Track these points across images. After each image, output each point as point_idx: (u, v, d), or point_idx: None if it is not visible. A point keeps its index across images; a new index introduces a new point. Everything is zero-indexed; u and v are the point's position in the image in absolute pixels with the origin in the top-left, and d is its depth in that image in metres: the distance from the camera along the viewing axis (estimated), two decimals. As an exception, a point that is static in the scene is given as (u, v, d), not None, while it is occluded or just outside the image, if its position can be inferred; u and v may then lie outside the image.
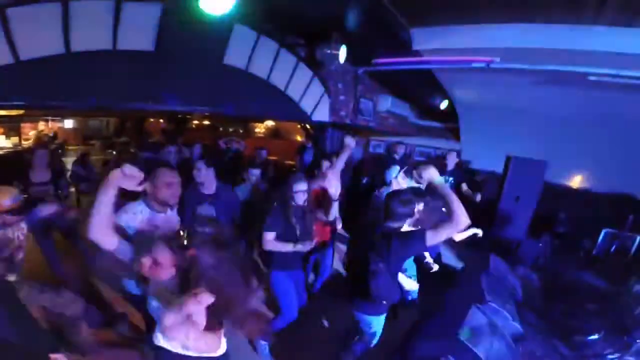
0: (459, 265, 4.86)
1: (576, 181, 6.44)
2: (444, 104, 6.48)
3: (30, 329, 1.73)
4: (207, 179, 2.84)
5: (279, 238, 2.70)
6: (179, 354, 1.61)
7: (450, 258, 4.93)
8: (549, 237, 5.38)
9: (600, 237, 5.41)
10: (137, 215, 2.02)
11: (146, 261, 1.51)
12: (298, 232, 2.77)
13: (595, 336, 3.25)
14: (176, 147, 4.58)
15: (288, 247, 2.70)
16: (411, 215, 2.40)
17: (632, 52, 3.79)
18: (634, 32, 3.66)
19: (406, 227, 2.93)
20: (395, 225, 2.29)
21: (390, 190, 3.79)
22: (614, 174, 5.95)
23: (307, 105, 4.97)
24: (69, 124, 11.61)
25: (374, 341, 2.62)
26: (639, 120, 5.29)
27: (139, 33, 3.25)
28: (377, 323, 2.51)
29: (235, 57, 4.00)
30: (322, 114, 5.20)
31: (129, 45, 3.23)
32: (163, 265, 1.52)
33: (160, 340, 1.62)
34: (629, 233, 5.46)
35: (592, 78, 4.46)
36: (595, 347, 3.18)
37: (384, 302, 2.35)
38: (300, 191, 2.74)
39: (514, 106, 5.99)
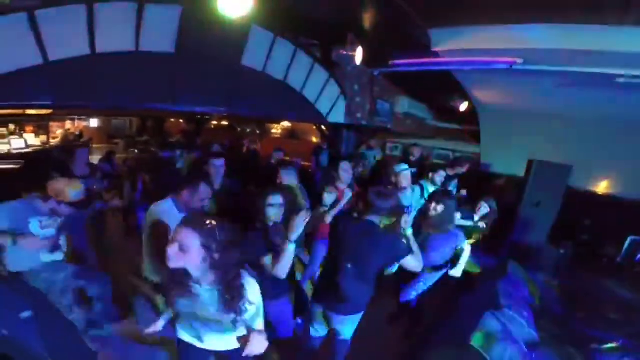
0: (475, 270, 4.77)
1: (602, 187, 6.21)
2: (463, 106, 6.38)
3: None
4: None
5: None
6: (194, 346, 1.74)
7: (467, 263, 4.84)
8: (572, 244, 5.20)
9: (626, 245, 5.20)
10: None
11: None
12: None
13: (612, 345, 3.13)
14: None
15: None
16: (391, 209, 2.33)
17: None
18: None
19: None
20: (373, 219, 2.25)
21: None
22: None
23: (323, 106, 5.01)
24: (94, 123, 12.07)
25: (347, 340, 2.47)
26: None
27: (161, 35, 3.36)
28: (349, 323, 2.40)
29: (252, 58, 4.07)
30: (338, 116, 5.21)
31: (151, 46, 3.34)
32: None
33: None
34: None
35: (620, 80, 4.29)
36: (611, 356, 3.06)
37: (353, 304, 2.30)
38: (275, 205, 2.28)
39: (537, 109, 5.85)
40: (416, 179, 4.29)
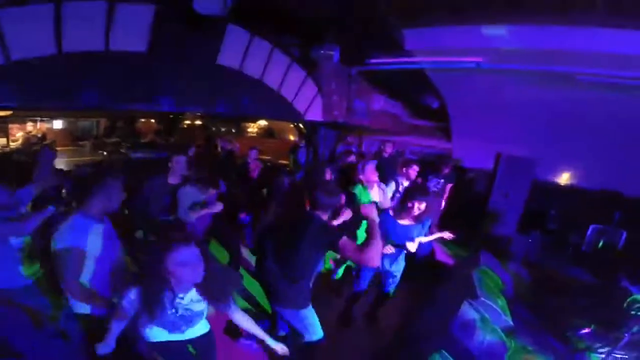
0: (450, 261, 4.92)
1: (564, 178, 6.56)
2: (435, 103, 6.54)
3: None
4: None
5: None
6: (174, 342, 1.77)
7: (441, 254, 5.00)
8: (539, 233, 5.47)
9: (589, 233, 5.53)
10: None
11: None
12: None
13: (586, 330, 3.34)
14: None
15: None
16: (334, 206, 2.37)
17: (620, 52, 3.88)
18: (623, 33, 3.76)
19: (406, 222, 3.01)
20: (320, 214, 2.22)
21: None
22: (601, 171, 6.10)
23: (300, 104, 4.97)
24: (57, 124, 11.39)
25: (313, 336, 2.33)
26: (625, 119, 5.40)
27: (132, 34, 3.24)
28: (301, 317, 2.30)
29: (228, 57, 3.99)
30: (315, 114, 5.20)
31: (122, 46, 3.21)
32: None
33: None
34: (616, 229, 5.58)
35: (580, 77, 4.55)
36: (586, 341, 3.26)
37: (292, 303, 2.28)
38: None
39: (504, 105, 6.08)
40: (388, 174, 4.37)
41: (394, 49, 4.62)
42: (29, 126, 10.09)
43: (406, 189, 3.38)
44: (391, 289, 3.31)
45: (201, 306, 1.75)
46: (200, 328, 1.86)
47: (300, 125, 5.97)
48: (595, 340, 3.24)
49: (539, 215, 5.89)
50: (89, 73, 3.16)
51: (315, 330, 2.32)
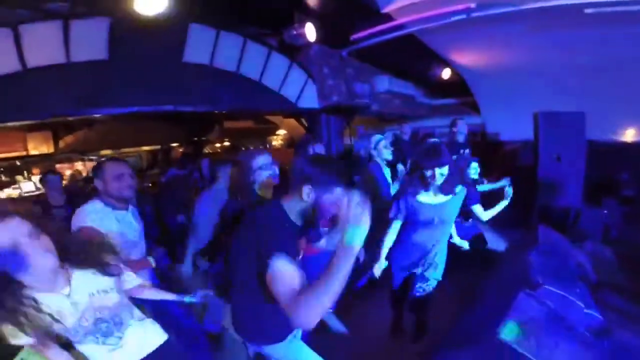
0: (502, 247, 3.68)
1: (629, 134, 5.00)
2: (445, 73, 5.41)
3: None
4: None
5: None
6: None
7: (493, 241, 3.74)
8: (614, 202, 4.05)
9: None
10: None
11: None
12: None
13: None
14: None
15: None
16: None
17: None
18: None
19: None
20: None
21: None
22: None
23: (290, 93, 4.35)
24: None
25: None
26: None
27: (91, 45, 3.12)
28: (284, 352, 1.41)
29: (195, 54, 3.64)
30: (310, 101, 4.49)
31: (83, 56, 3.07)
32: None
33: None
34: None
35: (588, 11, 3.36)
36: None
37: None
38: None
39: (520, 61, 4.80)
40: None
41: (372, 17, 3.85)
42: (78, 165, 10.56)
43: (414, 153, 2.46)
44: (421, 294, 2.32)
45: None
46: None
47: (303, 120, 5.24)
48: None
49: (610, 182, 4.45)
50: (54, 84, 3.02)
51: None
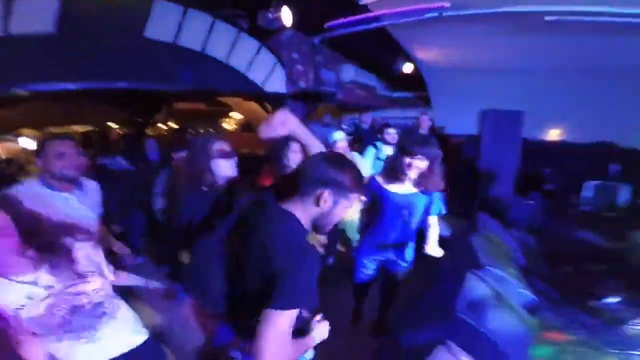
0: (447, 233, 4.10)
1: (554, 134, 5.80)
2: (407, 68, 5.69)
3: None
4: None
5: None
6: None
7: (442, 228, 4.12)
8: (539, 195, 4.72)
9: (586, 190, 4.81)
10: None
11: None
12: None
13: (614, 299, 2.54)
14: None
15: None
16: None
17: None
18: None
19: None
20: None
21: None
22: (592, 122, 5.31)
23: (256, 77, 4.21)
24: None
25: None
26: (606, 62, 4.57)
27: (37, 17, 2.81)
28: None
29: (159, 31, 3.42)
30: (277, 85, 4.42)
31: (27, 29, 2.76)
32: None
33: None
34: (614, 183, 4.89)
35: (548, 18, 3.75)
36: (615, 312, 2.47)
37: None
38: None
39: (478, 60, 5.23)
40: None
41: (349, 7, 3.89)
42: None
43: (402, 137, 2.51)
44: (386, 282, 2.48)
45: None
46: None
47: (268, 106, 5.14)
48: (626, 310, 2.44)
49: (535, 176, 5.15)
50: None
51: None
